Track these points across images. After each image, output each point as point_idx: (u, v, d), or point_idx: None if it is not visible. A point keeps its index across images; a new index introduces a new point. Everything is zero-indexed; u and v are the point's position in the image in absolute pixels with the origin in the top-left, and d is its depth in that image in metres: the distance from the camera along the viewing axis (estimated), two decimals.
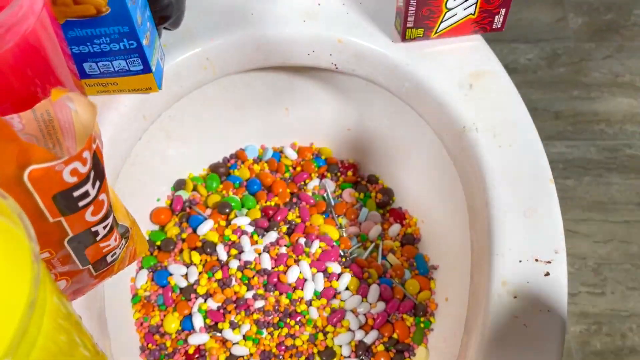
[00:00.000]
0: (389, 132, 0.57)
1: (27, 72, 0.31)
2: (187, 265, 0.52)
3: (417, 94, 0.48)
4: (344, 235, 0.55)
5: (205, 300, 0.50)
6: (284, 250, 0.52)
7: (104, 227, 0.31)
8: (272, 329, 0.49)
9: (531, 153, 0.43)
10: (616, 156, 0.97)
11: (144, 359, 0.48)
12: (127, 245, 0.36)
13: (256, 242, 0.53)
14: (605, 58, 1.09)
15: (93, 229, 0.30)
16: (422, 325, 0.50)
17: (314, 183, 0.58)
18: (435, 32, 0.46)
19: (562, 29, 1.12)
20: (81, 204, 0.27)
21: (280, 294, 0.50)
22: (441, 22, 0.45)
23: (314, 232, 0.54)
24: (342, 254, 0.53)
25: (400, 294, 0.51)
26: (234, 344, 0.48)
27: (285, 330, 0.48)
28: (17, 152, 0.23)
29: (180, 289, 0.51)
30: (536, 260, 0.38)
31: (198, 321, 0.49)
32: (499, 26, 0.47)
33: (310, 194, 0.58)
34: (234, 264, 0.51)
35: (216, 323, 0.49)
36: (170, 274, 0.51)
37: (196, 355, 0.48)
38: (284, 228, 0.54)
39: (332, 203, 0.57)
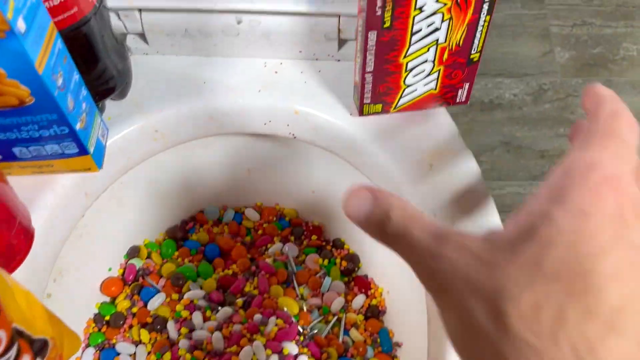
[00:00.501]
0: None
1: None
2: (136, 344, 0.49)
3: (378, 169, 0.45)
4: (304, 308, 0.52)
5: None
6: (237, 327, 0.49)
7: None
8: None
9: None
10: None
11: None
12: (48, 358, 0.33)
13: (209, 319, 0.50)
14: None
15: None
16: None
17: (275, 248, 0.56)
18: (395, 107, 0.44)
19: (549, 63, 1.10)
20: None
21: None
22: (400, 97, 0.43)
23: (272, 307, 0.51)
24: (300, 330, 0.51)
25: None
26: None
27: None
28: None
29: None
30: None
31: None
32: (463, 100, 0.44)
33: (271, 260, 0.55)
34: (185, 344, 0.48)
35: None
36: (118, 354, 0.49)
37: None
38: (240, 302, 0.51)
39: (294, 271, 0.55)
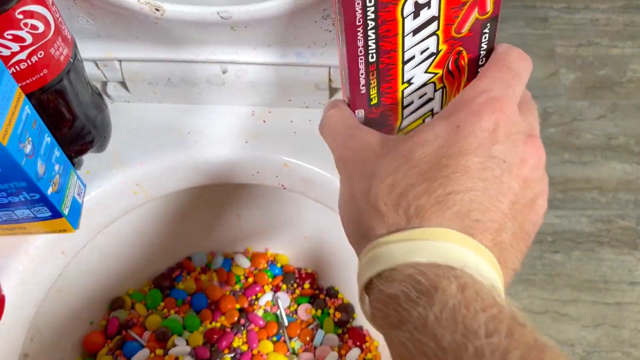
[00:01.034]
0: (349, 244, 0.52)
1: None
2: None
3: None
4: None
5: None
6: None
7: None
8: None
9: None
10: (609, 228, 0.91)
11: None
12: None
13: None
14: (599, 118, 1.03)
15: None
16: None
17: (266, 298, 0.53)
18: None
19: (554, 86, 1.07)
20: None
21: None
22: None
23: None
24: None
25: None
26: None
27: None
28: None
29: None
30: None
31: None
32: None
33: (261, 311, 0.52)
34: None
35: None
36: None
37: None
38: (228, 358, 0.49)
39: (285, 323, 0.52)
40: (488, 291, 0.20)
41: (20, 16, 0.31)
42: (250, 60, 0.41)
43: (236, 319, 0.52)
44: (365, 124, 0.28)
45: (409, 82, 0.28)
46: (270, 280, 0.55)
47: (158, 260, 0.54)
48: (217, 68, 0.42)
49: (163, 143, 0.44)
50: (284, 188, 0.46)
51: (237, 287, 0.54)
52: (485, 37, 0.27)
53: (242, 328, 0.51)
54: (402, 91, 0.28)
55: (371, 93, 0.27)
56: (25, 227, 0.38)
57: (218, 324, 0.51)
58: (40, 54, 0.33)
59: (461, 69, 0.28)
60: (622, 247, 0.89)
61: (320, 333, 0.52)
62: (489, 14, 0.26)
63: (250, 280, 0.55)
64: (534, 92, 0.28)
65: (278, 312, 0.53)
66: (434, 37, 0.26)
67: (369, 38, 0.26)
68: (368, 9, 0.25)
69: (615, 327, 0.82)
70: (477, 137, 0.22)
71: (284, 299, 0.54)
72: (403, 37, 0.26)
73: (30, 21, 0.31)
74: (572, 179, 0.97)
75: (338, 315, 0.53)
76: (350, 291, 0.54)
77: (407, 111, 0.29)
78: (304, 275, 0.55)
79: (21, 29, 0.31)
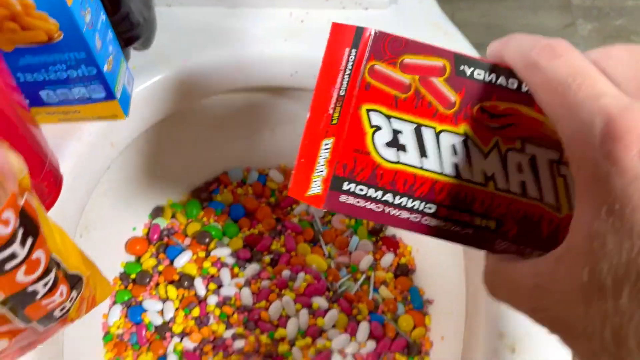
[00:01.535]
0: None
1: None
2: (163, 301, 0.49)
3: None
4: (332, 266, 0.51)
5: (181, 340, 0.46)
6: (266, 283, 0.49)
7: (45, 285, 0.27)
8: None
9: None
10: None
11: None
12: (81, 295, 0.32)
13: (237, 275, 0.49)
14: None
15: (30, 289, 0.26)
16: None
17: (301, 208, 0.55)
18: None
19: (571, 35, 1.08)
20: (8, 266, 0.24)
21: (262, 332, 0.46)
22: None
23: (300, 264, 0.50)
24: (329, 287, 0.50)
25: (392, 332, 0.48)
26: None
27: None
28: None
29: (155, 327, 0.47)
30: None
31: None
32: None
33: (296, 220, 0.54)
34: (213, 300, 0.47)
35: None
36: (145, 310, 0.48)
37: None
38: (267, 259, 0.51)
39: (320, 230, 0.54)
40: None
41: None
42: None
43: (273, 226, 0.53)
44: None
45: None
46: None
47: (196, 174, 0.56)
48: None
49: (205, 42, 0.45)
50: None
51: (272, 199, 0.56)
52: None
53: (279, 234, 0.53)
54: None
55: None
56: (80, 110, 0.40)
57: (256, 231, 0.53)
58: None
59: None
60: None
61: (354, 239, 0.53)
62: None
63: (285, 193, 0.56)
64: None
65: (313, 221, 0.54)
66: None
67: None
68: None
69: None
70: None
71: (318, 210, 0.55)
72: None
73: None
74: None
75: (372, 223, 0.54)
76: None
77: None
78: None
79: None
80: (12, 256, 0.24)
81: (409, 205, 0.28)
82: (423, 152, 0.28)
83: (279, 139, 0.56)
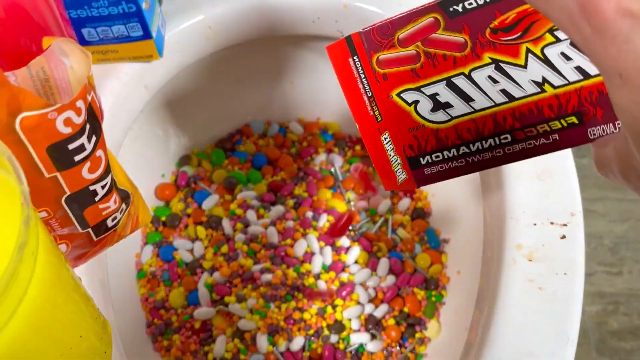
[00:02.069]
0: None
1: (21, 32, 0.31)
2: (193, 240, 0.51)
3: None
4: (353, 209, 0.54)
5: (211, 275, 0.49)
6: (291, 224, 0.51)
7: (102, 187, 0.30)
8: (279, 302, 0.48)
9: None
10: None
11: (149, 335, 0.48)
12: (128, 211, 0.35)
13: (262, 216, 0.52)
14: None
15: (91, 188, 0.29)
16: (433, 299, 0.49)
17: (320, 158, 0.57)
18: None
19: None
20: (77, 158, 0.26)
21: (288, 267, 0.49)
22: None
23: (322, 207, 0.53)
24: (350, 228, 0.52)
25: (411, 268, 0.50)
26: (240, 318, 0.47)
27: (293, 304, 0.47)
28: (7, 97, 0.23)
29: (186, 263, 0.50)
30: (552, 223, 0.37)
31: (204, 296, 0.48)
32: None
33: (317, 168, 0.56)
34: (240, 238, 0.50)
35: (222, 297, 0.48)
36: (176, 249, 0.50)
37: (202, 330, 0.47)
38: (291, 202, 0.53)
39: (340, 178, 0.56)
40: None
41: None
42: None
43: (295, 173, 0.56)
44: None
45: None
46: (323, 144, 0.58)
47: (219, 125, 0.58)
48: None
49: None
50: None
51: (293, 150, 0.58)
52: None
53: (301, 180, 0.55)
54: None
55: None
56: (118, 49, 0.42)
57: (279, 178, 0.55)
58: None
59: None
60: None
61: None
62: None
63: (305, 144, 0.58)
64: None
65: (332, 169, 0.57)
66: None
67: None
68: None
69: None
70: None
71: (337, 160, 0.57)
72: None
73: None
74: None
75: None
76: None
77: None
78: (354, 140, 0.59)
79: None
80: (81, 148, 0.26)
81: (486, 145, 0.30)
82: (467, 98, 0.30)
83: (299, 92, 0.59)
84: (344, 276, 0.49)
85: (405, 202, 0.55)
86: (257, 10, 0.48)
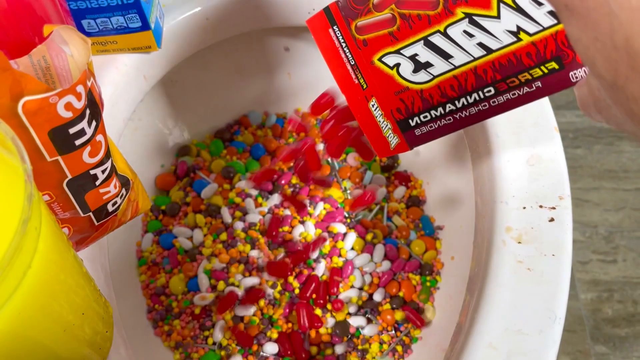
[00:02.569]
0: None
1: (23, 23, 0.31)
2: (192, 228, 0.52)
3: None
4: (349, 197, 0.55)
5: (210, 261, 0.50)
6: (288, 212, 0.52)
7: (103, 171, 0.31)
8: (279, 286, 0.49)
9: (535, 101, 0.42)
10: None
11: (150, 320, 0.49)
12: (128, 197, 0.36)
13: (260, 205, 0.53)
14: None
15: (92, 172, 0.30)
16: (428, 284, 0.50)
17: (318, 148, 0.58)
18: None
19: None
20: (78, 142, 0.27)
21: (286, 253, 0.50)
22: None
23: (318, 195, 0.54)
24: (346, 215, 0.53)
25: (406, 254, 0.51)
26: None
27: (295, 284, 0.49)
28: (10, 82, 0.23)
29: (186, 251, 0.51)
30: (540, 206, 0.38)
31: (204, 282, 0.49)
32: None
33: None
34: (239, 226, 0.51)
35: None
36: (176, 237, 0.52)
37: (202, 316, 0.48)
38: (288, 191, 0.54)
39: (336, 167, 0.57)
40: None
41: None
42: None
43: (292, 163, 0.56)
44: None
45: None
46: (320, 134, 0.59)
47: (217, 116, 0.59)
48: None
49: None
50: None
51: (291, 140, 0.59)
52: None
53: None
54: None
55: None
56: (117, 40, 0.43)
57: (276, 167, 0.56)
58: None
59: None
60: None
61: (368, 174, 0.56)
62: None
63: (302, 135, 0.59)
64: None
65: (329, 159, 0.58)
66: None
67: None
68: None
69: (636, 210, 0.86)
70: None
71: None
72: None
73: None
74: None
75: (384, 160, 0.57)
76: None
77: None
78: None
79: None
80: (81, 133, 0.27)
81: (470, 100, 0.30)
82: (446, 55, 0.30)
83: (295, 82, 0.60)
84: (341, 261, 0.50)
85: (400, 190, 0.56)
86: (253, 2, 0.49)
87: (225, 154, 0.57)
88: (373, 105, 0.32)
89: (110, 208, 0.34)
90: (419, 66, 0.31)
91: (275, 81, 0.59)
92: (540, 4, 0.27)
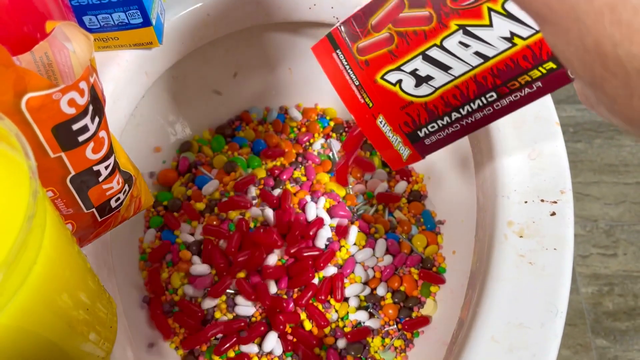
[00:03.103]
0: None
1: (25, 19, 0.31)
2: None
3: None
4: (350, 192, 0.55)
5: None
6: (290, 206, 0.52)
7: (106, 167, 0.31)
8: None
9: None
10: None
11: (153, 315, 0.49)
12: (131, 193, 0.36)
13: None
14: None
15: (95, 168, 0.30)
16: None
17: (319, 143, 0.58)
18: None
19: None
20: (81, 138, 0.27)
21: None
22: None
23: (320, 190, 0.54)
24: (348, 210, 0.53)
25: (408, 249, 0.51)
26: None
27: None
28: (13, 78, 0.24)
29: (187, 246, 0.51)
30: (542, 200, 0.38)
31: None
32: None
33: (315, 153, 0.57)
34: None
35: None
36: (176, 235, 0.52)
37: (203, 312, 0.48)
38: (290, 187, 0.54)
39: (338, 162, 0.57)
40: None
41: None
42: None
43: (294, 158, 0.57)
44: None
45: None
46: (321, 129, 0.59)
47: (219, 112, 0.59)
48: None
49: None
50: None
51: (292, 135, 0.59)
52: None
53: (300, 165, 0.56)
54: None
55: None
56: (119, 37, 0.43)
57: (278, 163, 0.56)
58: None
59: None
60: None
61: None
62: None
63: (304, 130, 0.59)
64: None
65: (331, 154, 0.58)
66: None
67: None
68: None
69: (636, 203, 0.87)
70: None
71: (335, 144, 0.58)
72: None
73: None
74: None
75: None
76: None
77: None
78: (352, 125, 0.60)
79: None
80: (84, 129, 0.27)
81: (474, 107, 0.31)
82: (445, 67, 0.31)
83: (297, 78, 0.60)
84: (345, 255, 0.50)
85: (401, 185, 0.56)
86: None
87: (226, 149, 0.57)
88: (381, 122, 0.34)
89: (113, 204, 0.34)
90: (420, 80, 0.32)
91: (276, 76, 0.59)
92: None
